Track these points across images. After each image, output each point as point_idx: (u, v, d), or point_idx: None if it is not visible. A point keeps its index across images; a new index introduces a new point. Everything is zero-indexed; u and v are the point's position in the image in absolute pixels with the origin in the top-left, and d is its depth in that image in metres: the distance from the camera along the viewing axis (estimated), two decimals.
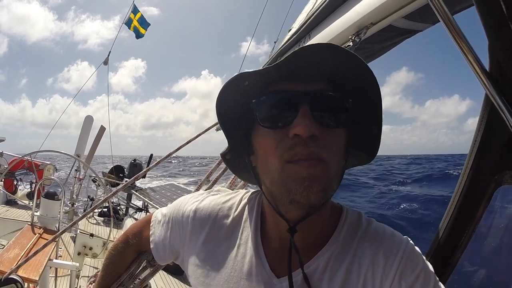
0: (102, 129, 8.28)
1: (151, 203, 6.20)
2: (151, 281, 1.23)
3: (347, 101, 0.65)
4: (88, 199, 7.36)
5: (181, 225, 0.85)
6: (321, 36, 1.25)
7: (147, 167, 8.60)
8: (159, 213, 0.95)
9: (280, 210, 0.68)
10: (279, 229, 0.72)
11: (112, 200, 6.50)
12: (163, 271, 3.75)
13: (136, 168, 8.19)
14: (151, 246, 0.92)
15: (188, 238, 0.83)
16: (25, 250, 2.54)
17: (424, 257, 0.68)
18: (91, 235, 4.78)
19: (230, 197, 0.86)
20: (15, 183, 7.08)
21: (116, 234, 5.38)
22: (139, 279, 1.09)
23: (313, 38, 1.31)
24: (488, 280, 0.96)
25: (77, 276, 3.69)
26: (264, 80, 0.66)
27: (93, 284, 1.09)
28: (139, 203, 7.74)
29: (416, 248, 0.69)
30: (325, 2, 1.19)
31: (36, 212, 3.49)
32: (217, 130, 2.14)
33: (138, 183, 7.86)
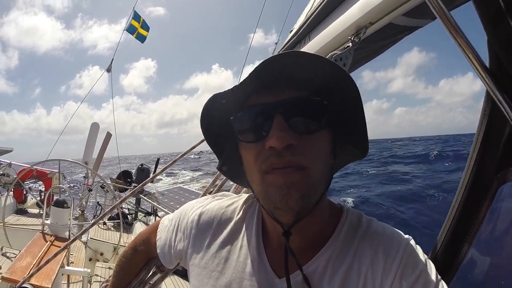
0: (109, 136, 8.37)
1: (160, 207, 6.25)
2: (162, 285, 1.25)
3: (322, 104, 0.64)
4: (98, 205, 7.44)
5: (186, 229, 0.87)
6: (320, 38, 1.24)
7: (154, 170, 8.66)
8: (166, 219, 0.97)
9: (274, 215, 0.68)
10: (276, 231, 0.73)
11: (121, 206, 6.55)
12: (174, 274, 3.78)
13: (143, 173, 8.25)
14: (158, 251, 0.94)
15: (192, 242, 0.85)
16: (37, 258, 2.58)
17: (426, 256, 0.67)
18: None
19: (234, 200, 0.88)
20: (24, 192, 7.17)
21: (127, 239, 5.42)
22: (149, 284, 1.11)
23: (312, 39, 1.31)
24: (492, 278, 0.95)
25: (89, 282, 3.73)
26: (240, 95, 0.67)
27: None
28: (148, 207, 7.80)
29: (418, 247, 0.68)
30: (323, 3, 1.19)
31: (47, 220, 3.54)
32: None
33: (146, 187, 7.91)
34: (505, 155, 0.69)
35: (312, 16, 1.28)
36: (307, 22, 1.34)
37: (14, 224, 5.44)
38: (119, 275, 1.04)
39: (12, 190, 6.48)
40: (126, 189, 7.65)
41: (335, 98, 0.65)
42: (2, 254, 4.06)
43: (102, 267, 4.41)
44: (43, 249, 2.82)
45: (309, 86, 0.64)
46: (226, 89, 0.67)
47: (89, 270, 3.14)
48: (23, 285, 1.88)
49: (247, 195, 0.88)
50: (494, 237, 0.82)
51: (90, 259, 4.88)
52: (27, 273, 1.98)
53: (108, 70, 8.09)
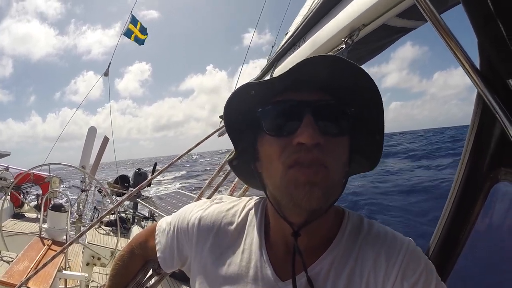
0: (106, 140, 8.33)
1: (157, 211, 6.21)
2: (159, 287, 1.25)
3: (349, 110, 0.67)
4: (95, 209, 7.40)
5: (187, 233, 0.86)
6: (314, 41, 1.26)
7: (151, 175, 8.62)
8: (163, 222, 0.97)
9: (284, 214, 0.69)
10: (283, 233, 0.73)
11: (118, 210, 6.52)
12: (170, 277, 3.76)
13: (141, 177, 8.21)
14: (158, 254, 0.94)
15: (194, 246, 0.84)
16: (34, 262, 2.57)
17: (426, 258, 0.69)
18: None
19: (234, 204, 0.88)
20: (21, 196, 7.13)
21: (124, 244, 5.38)
22: (146, 287, 1.11)
23: (307, 41, 1.32)
24: (486, 278, 0.96)
25: (87, 286, 3.71)
26: (268, 90, 0.68)
27: None
28: (145, 212, 7.76)
29: (418, 248, 0.70)
30: (317, 6, 1.20)
31: (44, 224, 3.52)
32: (219, 136, 2.15)
33: (143, 191, 7.88)
34: (497, 155, 0.70)
35: (307, 19, 1.29)
36: (302, 25, 1.35)
37: (11, 228, 5.40)
38: (115, 278, 1.03)
39: (9, 194, 6.44)
40: (123, 194, 7.61)
41: (361, 107, 0.67)
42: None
43: (99, 272, 4.39)
44: (40, 253, 2.81)
45: (339, 92, 0.66)
46: (257, 81, 0.68)
47: (86, 275, 3.13)
48: None
49: (247, 198, 0.89)
50: (488, 235, 0.83)
51: (88, 264, 4.84)
52: (24, 277, 1.97)
53: (106, 74, 8.07)
